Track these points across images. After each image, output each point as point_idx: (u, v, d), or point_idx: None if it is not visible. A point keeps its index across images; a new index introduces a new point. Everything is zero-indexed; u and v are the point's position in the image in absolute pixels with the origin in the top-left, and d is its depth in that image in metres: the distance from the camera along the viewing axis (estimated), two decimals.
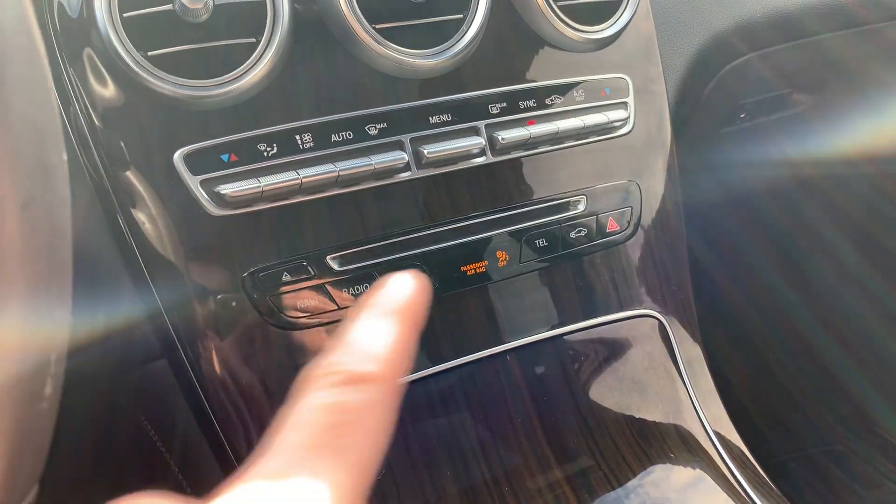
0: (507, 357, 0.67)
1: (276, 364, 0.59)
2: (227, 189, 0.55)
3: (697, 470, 0.69)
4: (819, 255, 1.31)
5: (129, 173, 0.55)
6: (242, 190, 0.56)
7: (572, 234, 0.69)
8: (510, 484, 0.65)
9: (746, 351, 1.44)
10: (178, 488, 0.73)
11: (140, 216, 0.56)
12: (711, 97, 0.93)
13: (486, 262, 0.65)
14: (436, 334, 0.64)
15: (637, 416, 0.72)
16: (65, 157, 0.27)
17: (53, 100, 0.27)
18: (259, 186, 0.56)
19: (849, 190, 1.21)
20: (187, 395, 0.61)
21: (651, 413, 0.72)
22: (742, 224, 1.26)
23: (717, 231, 1.22)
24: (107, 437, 0.70)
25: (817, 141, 1.08)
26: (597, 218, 0.70)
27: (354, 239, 0.61)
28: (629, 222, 0.72)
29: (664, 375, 0.73)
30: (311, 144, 0.58)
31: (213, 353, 0.58)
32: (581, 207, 0.69)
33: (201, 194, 0.56)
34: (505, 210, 0.66)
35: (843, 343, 1.34)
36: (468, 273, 0.65)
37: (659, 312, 0.74)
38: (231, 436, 0.60)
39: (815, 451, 1.36)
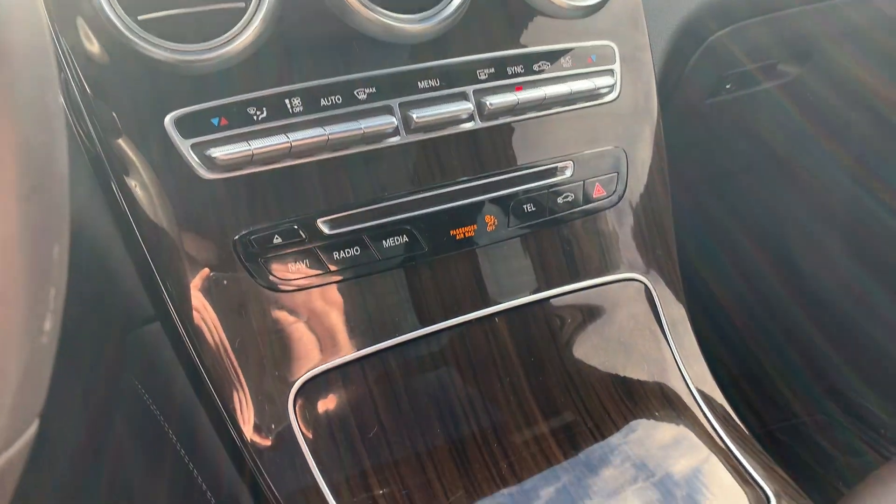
0: (496, 318, 0.69)
1: (267, 325, 0.60)
2: (217, 152, 0.56)
3: (681, 427, 0.71)
4: (806, 229, 1.33)
5: (121, 139, 0.56)
6: (233, 153, 0.56)
7: (560, 200, 0.70)
8: (498, 439, 0.66)
9: (733, 326, 1.46)
10: (175, 455, 0.74)
11: (132, 181, 0.57)
12: (696, 68, 0.94)
13: (476, 226, 0.66)
14: (426, 297, 0.66)
15: (622, 376, 0.73)
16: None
17: (56, 81, 0.29)
18: (249, 150, 0.57)
19: (835, 163, 1.22)
20: (181, 356, 0.62)
21: (636, 372, 0.74)
22: (728, 193, 1.27)
23: (704, 200, 1.23)
24: (104, 400, 0.71)
25: (803, 113, 1.09)
26: (584, 183, 0.71)
27: (345, 202, 0.62)
28: (615, 188, 0.73)
29: (649, 336, 0.75)
30: (301, 108, 0.59)
31: (206, 314, 0.59)
32: (568, 173, 0.70)
33: (192, 158, 0.56)
34: (493, 175, 0.67)
35: (830, 317, 1.36)
36: (457, 237, 0.66)
37: (644, 276, 0.75)
38: (226, 398, 0.61)
39: (799, 420, 1.39)
